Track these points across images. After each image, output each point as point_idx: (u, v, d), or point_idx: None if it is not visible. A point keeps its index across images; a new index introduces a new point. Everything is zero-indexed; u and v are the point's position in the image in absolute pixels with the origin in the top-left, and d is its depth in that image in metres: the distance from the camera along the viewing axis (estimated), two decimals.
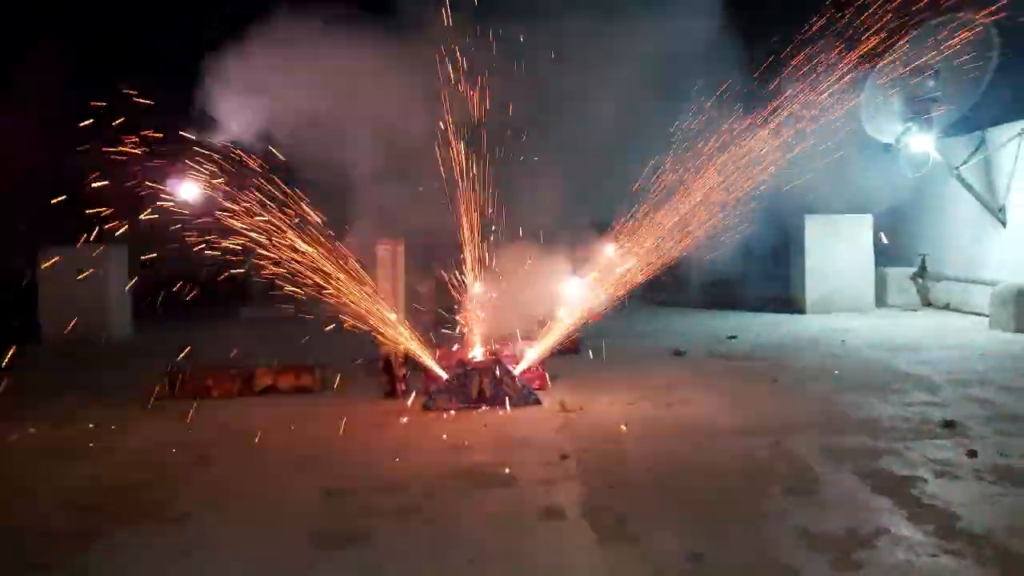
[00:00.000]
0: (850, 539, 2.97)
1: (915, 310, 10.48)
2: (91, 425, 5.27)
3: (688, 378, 6.25)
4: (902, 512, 3.23)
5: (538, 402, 5.44)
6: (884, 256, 10.88)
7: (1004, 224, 9.26)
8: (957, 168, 9.55)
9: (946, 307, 10.31)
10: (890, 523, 3.12)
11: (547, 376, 6.01)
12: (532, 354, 5.93)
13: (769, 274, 11.97)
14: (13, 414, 5.78)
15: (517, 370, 5.66)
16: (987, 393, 5.34)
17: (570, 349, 7.09)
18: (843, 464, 3.88)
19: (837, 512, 3.26)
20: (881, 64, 9.13)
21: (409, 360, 5.87)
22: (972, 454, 3.95)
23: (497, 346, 6.03)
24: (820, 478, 3.69)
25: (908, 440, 4.27)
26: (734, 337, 8.49)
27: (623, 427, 4.75)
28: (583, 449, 4.34)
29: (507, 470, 3.98)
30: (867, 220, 10.52)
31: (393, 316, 5.72)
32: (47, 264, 10.37)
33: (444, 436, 4.73)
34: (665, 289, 10.50)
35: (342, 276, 5.79)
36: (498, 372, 5.42)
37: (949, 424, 4.53)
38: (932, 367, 6.32)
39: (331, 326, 5.96)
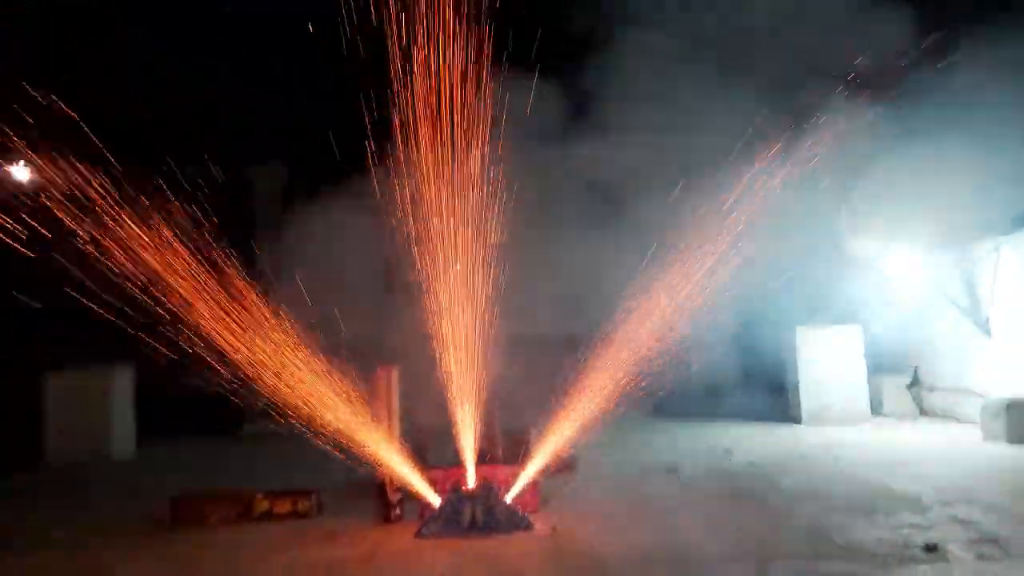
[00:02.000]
0: None
1: (911, 419, 10.56)
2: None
3: (679, 500, 6.36)
4: None
5: (530, 527, 5.53)
6: (880, 364, 11.07)
7: (989, 335, 9.48)
8: (940, 284, 9.86)
9: (942, 416, 10.40)
10: None
11: (539, 499, 6.10)
12: (524, 478, 6.04)
13: (766, 381, 12.10)
14: (27, 545, 5.91)
15: (509, 496, 5.78)
16: (972, 513, 5.42)
17: (565, 467, 7.19)
18: None
19: None
20: (861, 185, 9.62)
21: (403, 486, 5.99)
22: None
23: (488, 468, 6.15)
24: None
25: (889, 566, 4.37)
26: (729, 451, 8.58)
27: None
28: None
29: None
30: (856, 330, 10.75)
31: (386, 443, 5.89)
32: (54, 387, 10.62)
33: (436, 569, 4.82)
34: (663, 398, 10.68)
35: (337, 403, 6.01)
36: (490, 499, 5.54)
37: (931, 548, 4.62)
38: (922, 484, 6.41)
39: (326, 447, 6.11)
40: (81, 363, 10.68)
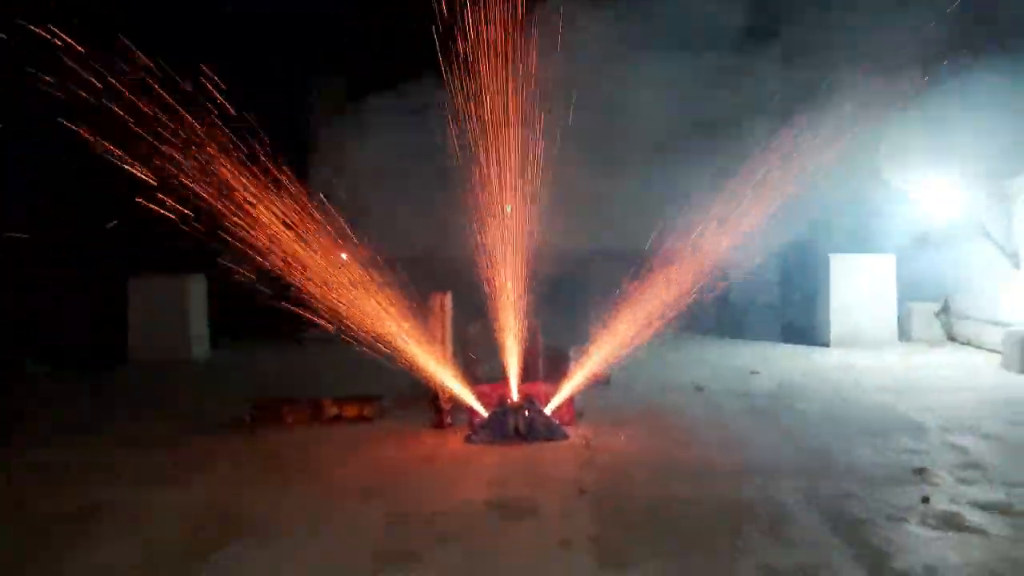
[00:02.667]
0: (798, 572, 3.74)
1: (938, 345, 11.01)
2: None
3: (703, 418, 7.03)
4: (848, 551, 3.99)
5: (566, 437, 6.28)
6: (910, 290, 11.46)
7: (1018, 267, 9.78)
8: (975, 214, 10.11)
9: (967, 343, 10.83)
10: (834, 560, 3.88)
11: (575, 411, 6.83)
12: (563, 393, 6.76)
13: (802, 306, 12.56)
14: (128, 438, 6.87)
15: (548, 408, 6.51)
16: (966, 440, 5.99)
17: (602, 381, 7.88)
18: (815, 507, 4.63)
19: (794, 550, 4.02)
20: (903, 114, 9.78)
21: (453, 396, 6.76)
22: (925, 500, 4.66)
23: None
24: (790, 519, 4.46)
25: (878, 486, 4.99)
26: (756, 373, 9.19)
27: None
28: (599, 484, 5.16)
29: (533, 503, 4.83)
30: (890, 260, 11.10)
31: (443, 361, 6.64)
32: (135, 292, 11.58)
33: (483, 469, 5.60)
34: (697, 318, 11.26)
35: (395, 318, 6.73)
36: (530, 412, 6.28)
37: (919, 471, 5.23)
38: (929, 411, 6.97)
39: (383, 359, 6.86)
40: (160, 271, 11.63)
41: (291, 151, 7.58)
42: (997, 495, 4.78)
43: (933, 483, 5.03)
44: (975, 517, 4.43)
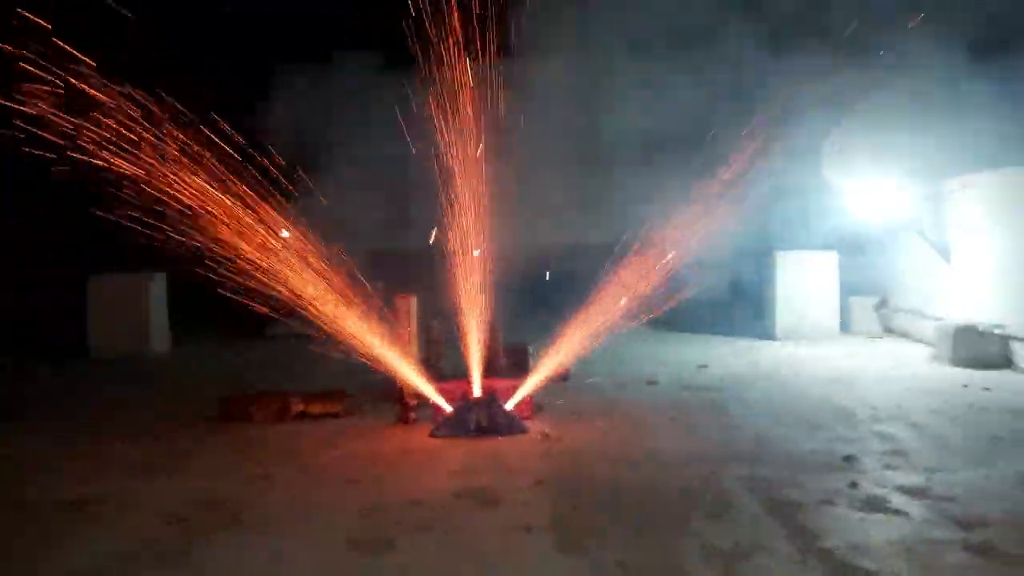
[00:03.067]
0: (736, 551, 4.15)
1: (877, 337, 11.63)
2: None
3: (654, 410, 7.44)
4: (782, 532, 4.41)
5: (525, 431, 6.64)
6: (851, 285, 12.07)
7: (948, 263, 10.40)
8: (909, 214, 10.73)
9: (904, 336, 11.46)
10: (769, 540, 4.29)
11: (533, 407, 7.19)
12: (523, 389, 7.11)
13: (750, 301, 13.13)
14: (99, 429, 7.05)
15: (509, 404, 6.86)
16: (893, 428, 6.49)
17: (559, 377, 8.25)
18: (754, 492, 5.05)
19: (735, 531, 4.43)
20: (844, 118, 10.34)
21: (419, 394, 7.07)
22: (853, 485, 5.11)
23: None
24: (732, 503, 4.87)
25: (812, 472, 5.44)
26: (705, 366, 9.66)
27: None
28: (556, 474, 5.53)
29: (495, 492, 5.17)
30: (833, 257, 11.69)
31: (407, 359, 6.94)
32: (95, 290, 11.61)
33: (448, 462, 5.93)
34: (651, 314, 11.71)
35: (362, 323, 7.00)
36: (492, 406, 6.62)
37: (849, 458, 5.70)
38: (861, 401, 7.49)
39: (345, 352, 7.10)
40: (120, 270, 11.70)
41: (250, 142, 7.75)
42: (918, 480, 5.25)
43: (861, 469, 5.49)
44: (897, 500, 4.89)
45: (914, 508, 4.75)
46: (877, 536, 4.35)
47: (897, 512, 4.70)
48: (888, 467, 5.53)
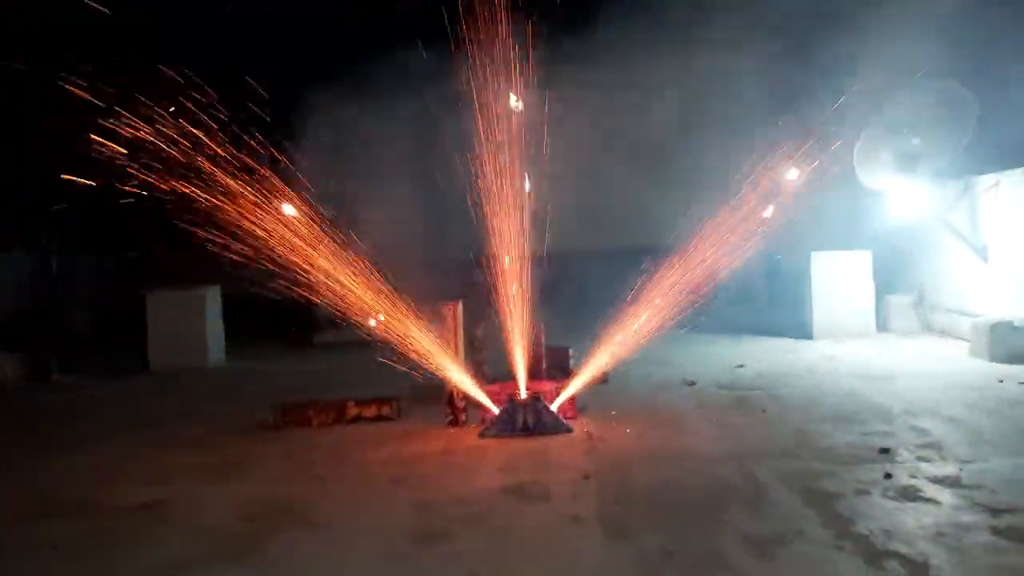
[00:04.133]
0: (774, 538, 4.41)
1: (914, 336, 11.71)
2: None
3: (693, 409, 7.70)
4: (818, 520, 4.66)
5: (569, 431, 6.94)
6: (889, 284, 12.18)
7: (986, 261, 10.48)
8: (944, 212, 10.82)
9: (941, 333, 11.53)
10: (806, 527, 4.54)
11: (576, 408, 7.49)
12: (567, 391, 7.41)
13: (787, 301, 13.25)
14: (163, 439, 7.51)
15: (553, 405, 7.17)
16: (929, 423, 6.67)
17: (600, 379, 8.53)
18: (791, 484, 5.29)
19: (772, 520, 4.69)
20: (874, 121, 10.49)
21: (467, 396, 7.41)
22: (888, 476, 5.33)
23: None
24: (769, 495, 5.13)
25: (849, 464, 5.67)
26: (742, 366, 9.87)
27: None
28: (601, 471, 5.83)
29: (544, 487, 5.49)
30: (867, 256, 11.81)
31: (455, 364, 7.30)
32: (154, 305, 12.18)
33: (497, 460, 6.26)
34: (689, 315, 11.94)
35: (413, 330, 7.39)
36: (538, 407, 6.95)
37: (884, 451, 5.91)
38: (898, 397, 7.66)
39: (394, 358, 7.47)
40: (177, 285, 12.26)
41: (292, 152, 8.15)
42: (950, 470, 5.45)
43: (896, 461, 5.71)
44: (929, 489, 5.10)
45: (946, 496, 4.97)
46: (909, 522, 4.58)
47: (929, 500, 4.92)
48: (922, 459, 5.73)
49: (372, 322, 7.36)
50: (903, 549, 4.18)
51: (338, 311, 7.61)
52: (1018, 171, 9.89)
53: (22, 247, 14.18)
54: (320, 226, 7.48)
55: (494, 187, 7.60)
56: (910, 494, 5.03)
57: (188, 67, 7.34)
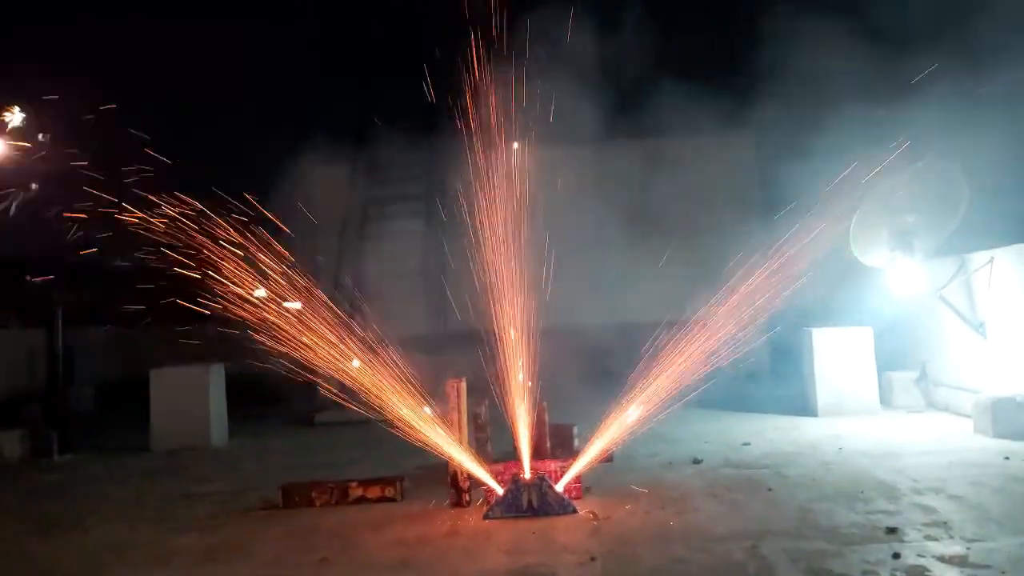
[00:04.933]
0: None
1: (918, 412, 11.69)
2: None
3: (699, 488, 7.66)
4: None
5: (575, 511, 6.91)
6: (891, 360, 12.23)
7: (984, 337, 10.57)
8: (939, 290, 10.97)
9: (945, 409, 11.52)
10: None
11: (582, 488, 7.46)
12: (571, 471, 7.40)
13: (789, 378, 13.28)
14: (168, 520, 7.47)
15: (559, 485, 7.15)
16: (935, 501, 6.64)
17: (605, 458, 8.52)
18: (797, 564, 5.27)
19: None
20: (867, 201, 10.73)
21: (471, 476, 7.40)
22: (896, 556, 5.31)
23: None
24: (775, 574, 5.09)
25: (855, 544, 5.64)
26: (747, 444, 9.85)
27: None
28: (607, 552, 5.80)
29: (551, 569, 5.46)
30: (867, 332, 11.89)
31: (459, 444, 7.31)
32: (157, 383, 12.23)
33: (502, 541, 6.22)
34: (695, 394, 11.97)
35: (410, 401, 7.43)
36: (543, 487, 6.93)
37: (891, 531, 5.88)
38: (902, 474, 7.63)
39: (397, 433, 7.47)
40: (180, 363, 12.32)
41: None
42: (957, 549, 5.42)
43: (903, 540, 5.68)
44: (937, 569, 5.08)
45: (953, 575, 4.94)
46: None
47: None
48: (929, 537, 5.70)
49: (355, 363, 7.39)
50: None
51: (340, 394, 7.70)
52: (1010, 248, 10.07)
53: (22, 323, 14.32)
54: (326, 313, 7.64)
55: (497, 261, 7.77)
56: (917, 573, 5.00)
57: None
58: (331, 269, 15.34)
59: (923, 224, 10.64)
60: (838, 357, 11.85)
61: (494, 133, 7.93)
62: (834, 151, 10.27)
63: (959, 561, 5.19)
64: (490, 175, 7.85)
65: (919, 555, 5.33)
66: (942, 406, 11.63)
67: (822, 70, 12.01)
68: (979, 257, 10.61)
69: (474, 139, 7.98)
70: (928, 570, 5.06)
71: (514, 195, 7.88)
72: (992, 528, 5.88)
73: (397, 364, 7.61)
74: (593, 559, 5.63)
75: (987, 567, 5.03)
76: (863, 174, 9.82)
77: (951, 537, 5.70)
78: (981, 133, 10.75)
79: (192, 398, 12.18)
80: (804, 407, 12.05)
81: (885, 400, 12.07)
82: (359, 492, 7.73)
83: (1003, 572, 4.94)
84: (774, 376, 14.11)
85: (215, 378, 12.36)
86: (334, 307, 7.77)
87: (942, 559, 5.24)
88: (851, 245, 10.89)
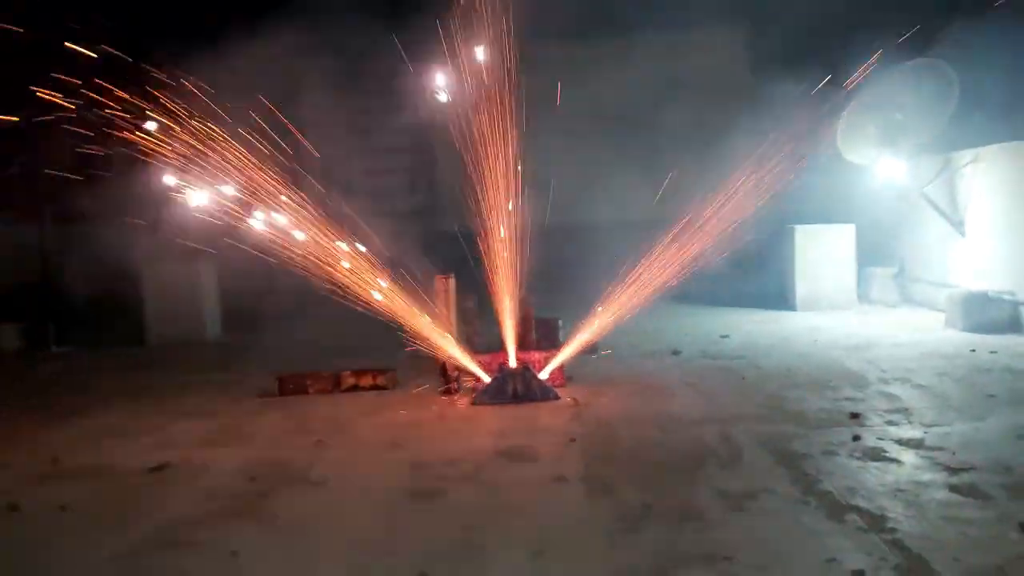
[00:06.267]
0: (746, 494, 4.73)
1: (894, 307, 12.04)
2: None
3: (677, 377, 8.01)
4: (788, 478, 4.98)
5: (557, 398, 7.25)
6: (871, 256, 12.49)
7: (963, 235, 10.79)
8: (923, 187, 11.10)
9: (920, 304, 11.87)
10: (775, 484, 4.87)
11: (565, 376, 7.79)
12: (555, 360, 7.71)
13: (769, 271, 13.54)
14: (167, 408, 7.78)
15: (543, 374, 7.47)
16: (900, 390, 7.01)
17: (587, 349, 8.82)
18: (764, 445, 5.62)
19: (745, 478, 5.02)
20: (857, 97, 10.71)
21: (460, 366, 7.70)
22: (856, 438, 5.66)
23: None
24: (743, 455, 5.45)
25: (820, 428, 5.99)
26: (726, 336, 10.19)
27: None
28: (586, 434, 6.15)
29: (532, 449, 5.81)
30: (850, 229, 12.11)
31: (448, 336, 7.58)
32: (150, 278, 12.37)
33: (488, 425, 6.57)
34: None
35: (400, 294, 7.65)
36: (527, 376, 7.25)
37: (855, 416, 6.23)
38: (872, 365, 8.00)
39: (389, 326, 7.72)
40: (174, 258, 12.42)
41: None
42: (915, 433, 5.77)
43: (865, 425, 6.03)
44: (894, 450, 5.43)
45: (908, 456, 5.30)
46: (871, 480, 4.91)
47: (892, 460, 5.24)
48: (889, 423, 6.06)
49: (376, 295, 7.60)
50: (863, 504, 4.50)
51: (334, 286, 7.86)
52: (994, 147, 10.16)
53: (17, 218, 14.30)
54: (321, 209, 7.72)
55: (485, 154, 7.80)
56: (875, 454, 5.35)
57: None
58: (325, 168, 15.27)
59: (910, 121, 10.66)
60: (819, 253, 12.12)
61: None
62: (821, 47, 10.22)
63: (915, 444, 5.54)
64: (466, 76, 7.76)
65: (879, 438, 5.68)
66: (918, 301, 11.98)
67: None
68: (963, 156, 10.72)
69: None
70: (885, 451, 5.41)
71: (503, 92, 7.83)
72: (950, 415, 6.24)
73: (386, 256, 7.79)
74: (573, 440, 5.98)
75: (941, 449, 5.38)
76: (851, 74, 9.79)
77: (910, 423, 6.06)
78: (971, 34, 10.66)
79: (186, 292, 12.38)
80: (784, 302, 12.38)
81: (864, 295, 12.41)
82: (352, 381, 8.04)
83: (954, 453, 5.29)
84: (758, 272, 14.37)
85: (207, 271, 12.53)
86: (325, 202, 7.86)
87: (899, 442, 5.59)
88: (838, 142, 10.93)
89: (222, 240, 8.32)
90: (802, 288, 12.06)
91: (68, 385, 9.50)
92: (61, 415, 7.71)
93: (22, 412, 7.94)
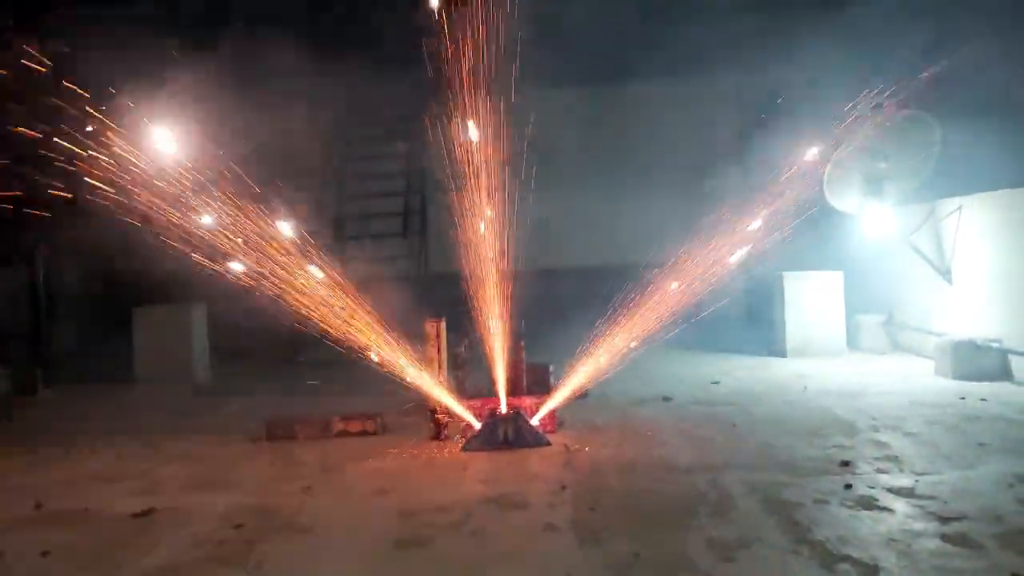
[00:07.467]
0: (737, 542, 4.70)
1: (883, 354, 12.08)
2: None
3: (668, 424, 7.98)
4: (779, 527, 4.95)
5: (548, 444, 7.21)
6: (860, 303, 12.57)
7: (950, 283, 10.89)
8: (909, 235, 11.24)
9: (909, 351, 11.91)
10: (767, 533, 4.84)
11: (557, 421, 7.76)
12: (547, 406, 7.68)
13: (761, 320, 13.61)
14: (154, 452, 7.70)
15: (534, 420, 7.44)
16: (890, 438, 7.00)
17: (579, 395, 8.80)
18: (756, 493, 5.59)
19: (736, 526, 4.99)
20: (842, 147, 10.89)
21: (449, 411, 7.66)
22: (847, 487, 5.64)
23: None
24: (734, 503, 5.42)
25: (810, 476, 5.97)
26: (717, 382, 10.19)
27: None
28: (578, 481, 6.10)
29: (523, 497, 5.76)
30: (838, 277, 12.20)
31: (436, 380, 7.56)
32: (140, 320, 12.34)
33: (478, 471, 6.52)
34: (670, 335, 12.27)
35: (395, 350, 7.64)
36: (518, 422, 7.22)
37: (845, 463, 6.22)
38: (862, 412, 7.99)
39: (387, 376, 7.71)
40: (164, 302, 12.43)
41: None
42: (906, 481, 5.76)
43: (856, 473, 6.02)
44: (885, 499, 5.42)
45: (900, 505, 5.28)
46: (863, 529, 4.89)
47: (884, 509, 5.23)
48: (880, 471, 6.05)
49: (373, 356, 7.62)
50: (856, 554, 4.48)
51: (324, 334, 7.85)
52: (978, 196, 10.32)
53: (6, 261, 14.28)
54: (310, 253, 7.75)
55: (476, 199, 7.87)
56: (866, 503, 5.33)
57: None
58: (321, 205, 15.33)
59: (895, 170, 10.82)
60: (808, 300, 12.18)
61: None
62: (813, 100, 10.42)
63: (906, 492, 5.53)
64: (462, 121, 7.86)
65: (869, 486, 5.66)
66: (907, 348, 12.02)
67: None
68: (948, 204, 10.87)
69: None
70: (876, 500, 5.40)
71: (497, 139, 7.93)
72: (940, 463, 6.23)
73: (379, 304, 7.80)
74: (564, 487, 5.94)
75: (932, 497, 5.37)
76: (839, 121, 9.96)
77: (901, 471, 6.05)
78: (955, 84, 10.88)
79: (174, 335, 12.33)
80: (774, 349, 12.40)
81: (852, 342, 12.44)
82: (341, 426, 7.98)
83: (945, 502, 5.28)
84: (747, 319, 14.45)
85: (197, 316, 12.50)
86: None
87: (890, 490, 5.58)
88: (824, 190, 11.07)
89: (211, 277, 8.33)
90: (792, 335, 12.10)
91: (54, 430, 9.32)
92: (46, 460, 7.63)
93: (5, 458, 7.83)
